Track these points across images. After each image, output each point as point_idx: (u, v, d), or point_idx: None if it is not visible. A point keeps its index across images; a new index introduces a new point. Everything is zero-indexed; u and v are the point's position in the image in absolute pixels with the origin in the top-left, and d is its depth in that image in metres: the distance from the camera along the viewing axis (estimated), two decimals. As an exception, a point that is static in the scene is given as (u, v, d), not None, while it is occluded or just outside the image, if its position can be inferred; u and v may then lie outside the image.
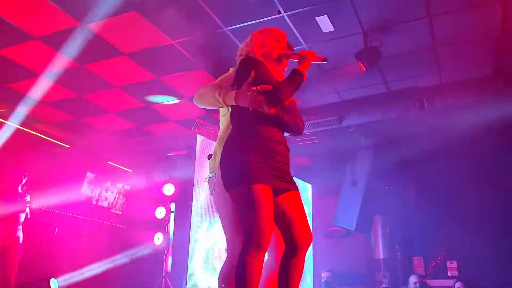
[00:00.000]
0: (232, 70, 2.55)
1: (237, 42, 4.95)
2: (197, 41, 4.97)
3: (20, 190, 5.25)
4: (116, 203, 8.49)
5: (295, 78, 2.22)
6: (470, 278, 7.70)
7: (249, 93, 2.11)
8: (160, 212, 7.72)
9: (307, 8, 4.40)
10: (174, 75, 5.71)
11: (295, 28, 4.72)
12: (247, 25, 4.65)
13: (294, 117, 2.32)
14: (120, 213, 8.52)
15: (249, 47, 2.38)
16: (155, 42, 4.97)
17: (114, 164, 8.55)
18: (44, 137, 7.55)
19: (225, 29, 4.74)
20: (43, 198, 7.02)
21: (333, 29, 4.73)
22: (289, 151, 2.29)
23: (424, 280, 8.04)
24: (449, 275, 8.25)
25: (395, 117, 6.04)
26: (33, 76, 5.64)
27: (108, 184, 8.32)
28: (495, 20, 4.54)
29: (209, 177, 2.57)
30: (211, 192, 2.56)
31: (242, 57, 2.37)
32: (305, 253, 2.16)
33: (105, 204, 8.28)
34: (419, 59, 5.29)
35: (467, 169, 7.56)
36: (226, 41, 4.93)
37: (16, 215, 5.14)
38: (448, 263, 8.34)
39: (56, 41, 4.92)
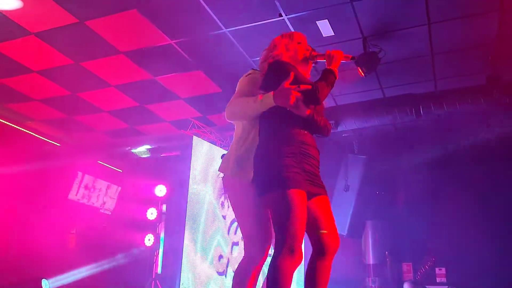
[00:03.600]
0: (252, 73, 2.52)
1: (237, 44, 4.94)
2: (196, 42, 4.94)
3: None
4: (106, 203, 8.39)
5: (330, 77, 2.27)
6: (458, 285, 7.77)
7: (290, 91, 2.12)
8: (152, 213, 7.66)
9: (308, 11, 4.41)
10: (171, 75, 5.66)
11: (295, 31, 4.71)
12: (247, 27, 4.64)
13: (324, 120, 2.36)
14: (110, 213, 8.42)
15: (274, 52, 2.40)
16: (153, 42, 4.93)
17: (105, 164, 8.45)
18: (34, 134, 7.43)
19: (225, 30, 4.71)
20: (31, 196, 6.92)
21: (333, 34, 4.74)
22: (319, 153, 2.31)
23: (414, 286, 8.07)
24: (438, 281, 8.31)
25: (390, 123, 6.07)
26: (28, 72, 5.55)
27: (98, 183, 8.23)
28: (491, 29, 4.60)
29: (223, 177, 2.52)
30: (225, 192, 2.54)
31: (269, 62, 2.37)
32: (333, 257, 2.20)
33: (95, 203, 8.18)
34: (416, 66, 5.33)
35: (457, 176, 7.65)
36: (225, 43, 4.91)
37: None
38: (437, 269, 8.40)
39: (53, 37, 4.86)
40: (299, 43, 2.45)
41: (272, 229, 2.33)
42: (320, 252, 2.16)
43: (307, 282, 2.16)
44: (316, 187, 2.19)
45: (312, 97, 2.19)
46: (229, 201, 2.53)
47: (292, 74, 2.17)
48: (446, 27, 4.58)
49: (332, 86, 2.27)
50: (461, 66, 5.25)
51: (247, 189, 2.33)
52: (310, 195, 2.17)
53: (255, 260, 2.35)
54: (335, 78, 2.30)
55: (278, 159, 2.12)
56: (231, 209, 2.53)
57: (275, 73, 2.28)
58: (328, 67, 2.33)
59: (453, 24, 4.55)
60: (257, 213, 2.34)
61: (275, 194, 2.08)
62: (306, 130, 2.27)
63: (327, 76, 2.27)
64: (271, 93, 2.20)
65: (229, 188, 2.47)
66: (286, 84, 2.15)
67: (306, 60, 2.44)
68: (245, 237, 2.42)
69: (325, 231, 2.18)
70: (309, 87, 2.17)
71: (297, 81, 2.18)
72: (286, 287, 2.00)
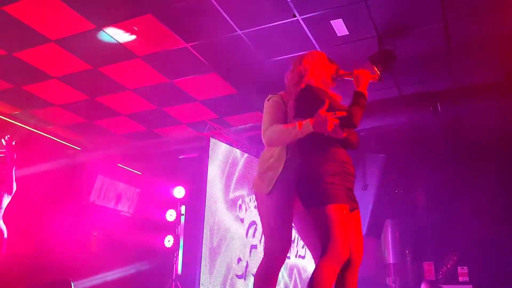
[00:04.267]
0: (272, 98, 2.65)
1: (251, 46, 4.96)
2: (211, 45, 4.99)
3: None
4: (126, 205, 8.52)
5: (361, 101, 2.38)
6: (481, 284, 7.63)
7: (327, 118, 2.23)
8: (171, 215, 7.73)
9: (322, 11, 4.41)
10: (187, 78, 5.73)
11: (310, 31, 4.72)
12: (262, 28, 4.66)
13: (355, 136, 2.50)
14: (129, 215, 8.54)
15: (306, 78, 2.51)
16: (169, 45, 4.99)
17: (124, 166, 8.58)
18: (55, 139, 7.59)
19: (240, 32, 4.74)
20: (53, 199, 7.06)
21: (348, 33, 4.72)
22: (355, 170, 2.47)
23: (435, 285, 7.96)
24: (460, 280, 8.17)
25: (407, 121, 6.01)
26: (48, 78, 5.69)
27: (118, 186, 8.35)
28: (509, 25, 4.52)
29: (256, 193, 2.73)
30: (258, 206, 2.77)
31: (301, 86, 2.49)
32: (358, 268, 2.36)
33: (115, 206, 8.31)
34: (432, 63, 5.27)
35: (478, 173, 7.51)
36: (240, 45, 4.94)
37: None
38: (459, 268, 8.27)
39: (72, 44, 4.97)
40: (326, 64, 2.57)
41: (290, 236, 2.57)
42: (347, 264, 2.28)
43: None
44: (353, 202, 2.38)
45: (348, 123, 2.31)
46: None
47: (327, 102, 2.28)
48: (463, 23, 4.53)
49: (364, 108, 2.36)
50: (479, 63, 5.17)
51: (267, 199, 2.56)
52: (349, 210, 2.32)
53: (276, 262, 2.54)
54: (366, 100, 2.39)
55: (322, 177, 2.28)
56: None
57: (309, 100, 2.41)
58: (357, 89, 2.42)
59: (470, 21, 4.49)
60: (280, 220, 2.53)
61: (322, 209, 2.24)
62: (344, 148, 2.43)
63: (359, 100, 2.37)
64: (309, 121, 2.31)
65: (257, 201, 2.71)
66: (323, 112, 2.25)
67: (334, 80, 2.57)
68: (267, 242, 2.60)
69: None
70: (344, 113, 2.27)
71: (332, 108, 2.29)
72: None
